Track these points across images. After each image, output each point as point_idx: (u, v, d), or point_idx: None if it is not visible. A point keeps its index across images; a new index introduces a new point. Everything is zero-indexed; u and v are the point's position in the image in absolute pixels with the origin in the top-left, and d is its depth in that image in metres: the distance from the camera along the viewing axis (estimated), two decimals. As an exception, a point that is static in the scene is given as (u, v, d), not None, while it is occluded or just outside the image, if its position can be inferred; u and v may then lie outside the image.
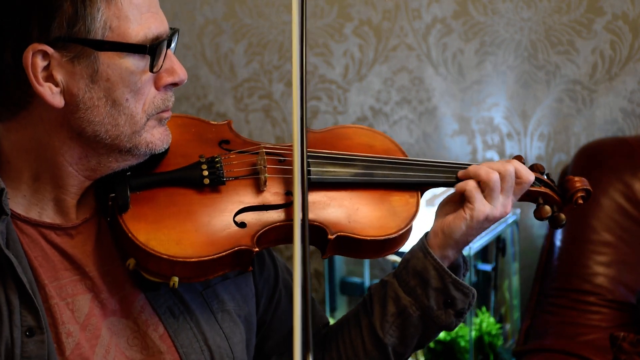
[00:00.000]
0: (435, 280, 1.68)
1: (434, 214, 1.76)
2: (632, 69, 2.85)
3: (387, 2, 3.02)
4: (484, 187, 1.68)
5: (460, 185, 1.70)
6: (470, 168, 1.72)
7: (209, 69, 3.26)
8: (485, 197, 1.68)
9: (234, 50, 3.22)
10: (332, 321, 2.93)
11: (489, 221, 1.69)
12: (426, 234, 1.73)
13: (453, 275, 1.68)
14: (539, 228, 3.01)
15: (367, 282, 3.01)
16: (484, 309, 2.84)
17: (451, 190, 1.76)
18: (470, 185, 1.68)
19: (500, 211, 1.69)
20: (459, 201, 1.72)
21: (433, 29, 3.00)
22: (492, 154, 3.03)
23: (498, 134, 3.01)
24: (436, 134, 3.06)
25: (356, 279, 3.02)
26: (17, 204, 1.54)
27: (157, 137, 1.55)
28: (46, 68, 1.45)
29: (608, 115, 2.90)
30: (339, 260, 3.02)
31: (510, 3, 2.91)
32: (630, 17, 2.83)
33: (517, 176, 1.71)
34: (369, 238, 1.64)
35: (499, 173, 1.69)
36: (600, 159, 2.76)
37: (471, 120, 3.03)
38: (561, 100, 2.93)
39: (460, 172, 1.73)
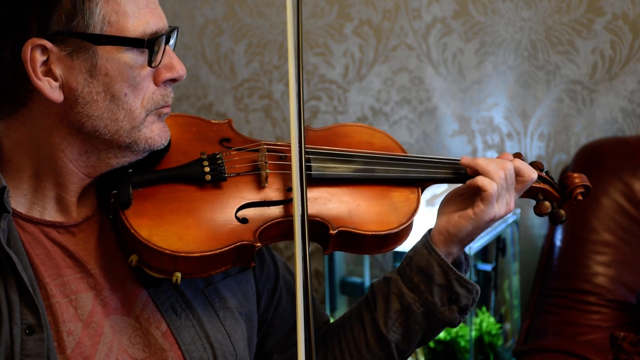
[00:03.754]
0: (439, 277, 1.69)
1: (436, 211, 1.76)
2: (632, 69, 2.85)
3: (387, 2, 3.02)
4: None
5: (481, 183, 1.67)
6: (480, 162, 1.69)
7: (209, 69, 3.26)
8: None
9: (234, 50, 3.22)
10: (332, 321, 2.95)
11: (495, 220, 1.69)
12: (429, 231, 1.74)
13: (457, 271, 1.69)
14: (539, 228, 3.01)
15: (367, 282, 3.01)
16: (484, 309, 2.84)
17: (452, 187, 1.76)
18: (494, 186, 1.66)
19: (504, 210, 1.70)
20: (465, 197, 1.72)
21: (433, 29, 3.00)
22: (492, 154, 3.02)
23: (498, 134, 3.01)
24: (436, 134, 3.06)
25: (356, 279, 3.02)
26: (19, 204, 1.54)
27: (156, 133, 1.56)
28: (45, 62, 1.45)
29: (608, 115, 2.90)
30: (339, 259, 3.02)
31: (510, 3, 2.91)
32: (630, 17, 2.83)
33: (520, 174, 1.71)
34: (370, 233, 1.65)
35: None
36: (600, 159, 2.76)
37: (471, 120, 3.03)
38: (561, 100, 2.93)
39: (468, 164, 1.71)
